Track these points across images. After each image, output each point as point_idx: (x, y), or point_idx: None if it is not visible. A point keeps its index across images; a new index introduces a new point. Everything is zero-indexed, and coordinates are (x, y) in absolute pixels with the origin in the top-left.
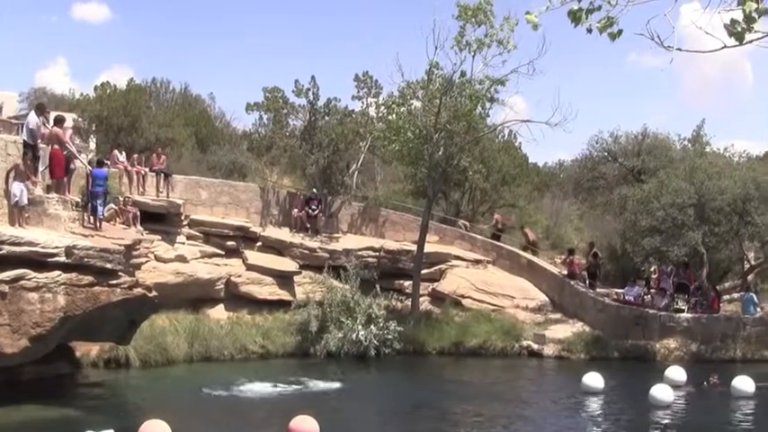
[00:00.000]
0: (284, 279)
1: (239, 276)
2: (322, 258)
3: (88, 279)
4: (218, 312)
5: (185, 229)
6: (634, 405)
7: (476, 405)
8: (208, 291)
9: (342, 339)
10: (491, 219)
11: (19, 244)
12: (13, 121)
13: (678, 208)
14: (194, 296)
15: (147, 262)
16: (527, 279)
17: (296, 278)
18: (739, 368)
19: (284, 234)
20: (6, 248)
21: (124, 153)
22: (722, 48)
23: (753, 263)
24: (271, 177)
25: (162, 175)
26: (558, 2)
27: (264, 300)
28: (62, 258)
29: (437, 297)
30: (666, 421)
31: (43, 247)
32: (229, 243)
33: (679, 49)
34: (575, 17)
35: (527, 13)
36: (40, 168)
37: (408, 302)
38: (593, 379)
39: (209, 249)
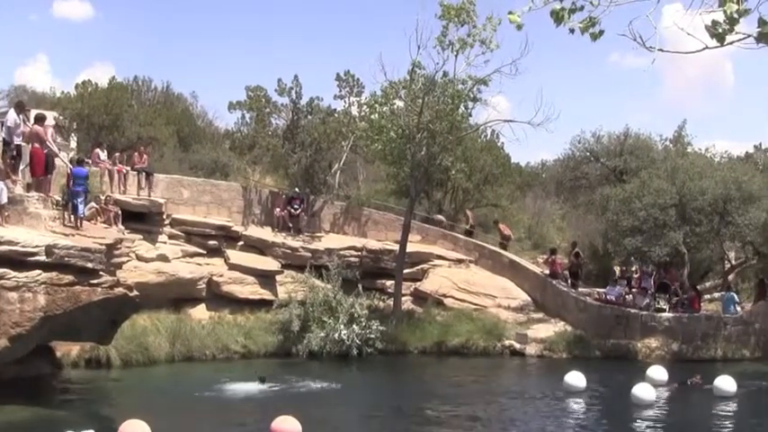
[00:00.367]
0: (266, 278)
1: (221, 276)
2: (304, 258)
3: (69, 278)
4: (200, 312)
5: (167, 229)
6: (616, 404)
7: (458, 404)
8: (189, 290)
9: (324, 339)
10: (456, 214)
11: None
12: None
13: (660, 208)
14: (176, 296)
15: (128, 261)
16: (509, 278)
17: (278, 278)
18: (720, 367)
19: (266, 233)
20: None
21: (106, 151)
22: (704, 49)
23: (733, 263)
24: (253, 176)
25: (143, 173)
26: (540, 2)
27: (246, 299)
28: (42, 257)
29: (419, 296)
30: (648, 420)
31: (23, 246)
32: (211, 242)
33: (661, 50)
34: (557, 17)
35: (510, 12)
36: (21, 167)
37: (390, 302)
38: (576, 378)
39: (191, 249)
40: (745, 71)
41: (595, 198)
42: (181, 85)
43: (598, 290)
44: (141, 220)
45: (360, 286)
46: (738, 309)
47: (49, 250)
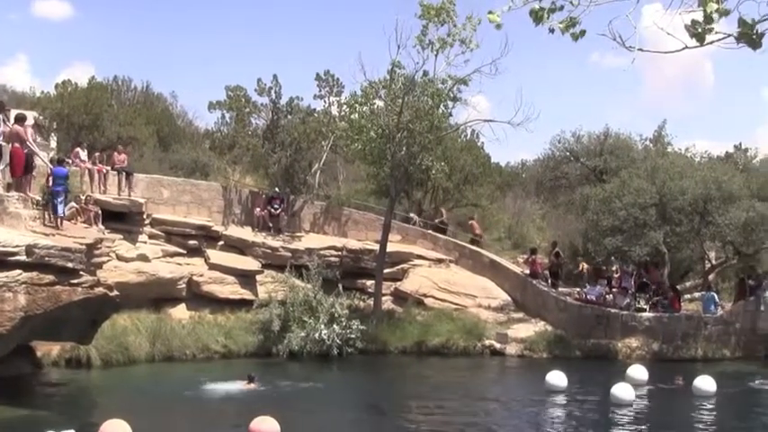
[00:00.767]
0: (246, 278)
1: (201, 276)
2: (284, 257)
3: (49, 278)
4: (180, 312)
5: (147, 228)
6: (596, 404)
7: (438, 404)
8: (170, 290)
9: (304, 339)
10: (435, 214)
11: None
12: None
13: (640, 208)
14: (156, 295)
15: (108, 261)
16: (489, 278)
17: (258, 277)
18: (700, 367)
19: (246, 233)
20: None
21: (86, 151)
22: (684, 48)
23: (713, 262)
24: (233, 176)
25: (123, 173)
26: (520, 1)
27: (226, 299)
28: (23, 257)
29: (400, 296)
30: (628, 420)
31: (3, 246)
32: (191, 242)
33: (641, 50)
34: (537, 17)
35: (490, 12)
36: (0, 167)
37: (371, 302)
38: (557, 378)
39: (171, 248)
40: (725, 71)
41: (575, 198)
42: (161, 84)
43: (578, 289)
44: (121, 219)
45: (340, 286)
46: (719, 309)
47: (29, 250)
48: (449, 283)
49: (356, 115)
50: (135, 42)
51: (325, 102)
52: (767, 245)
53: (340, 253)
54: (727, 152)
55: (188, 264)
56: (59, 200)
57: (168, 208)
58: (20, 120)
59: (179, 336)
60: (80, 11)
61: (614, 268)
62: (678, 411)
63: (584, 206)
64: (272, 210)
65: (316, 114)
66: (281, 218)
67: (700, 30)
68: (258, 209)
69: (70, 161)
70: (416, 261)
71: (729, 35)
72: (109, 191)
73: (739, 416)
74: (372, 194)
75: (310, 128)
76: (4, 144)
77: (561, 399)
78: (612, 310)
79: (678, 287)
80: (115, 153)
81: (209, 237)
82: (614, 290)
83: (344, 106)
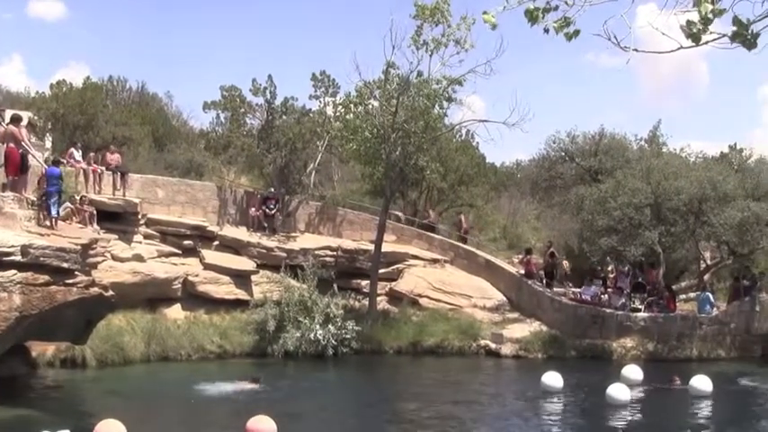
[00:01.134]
0: (241, 278)
1: (196, 276)
2: (279, 258)
3: (44, 278)
4: (176, 312)
5: (142, 229)
6: (592, 404)
7: (433, 404)
8: (165, 290)
9: (299, 339)
10: (423, 214)
11: None
12: None
13: (635, 208)
14: (151, 295)
15: (103, 261)
16: (485, 278)
17: (253, 277)
18: (695, 367)
19: (241, 233)
20: None
21: (80, 151)
22: (678, 48)
23: (709, 262)
24: (228, 176)
25: (118, 173)
26: (515, 1)
27: (222, 299)
28: (18, 257)
29: (395, 296)
30: (623, 420)
31: None
32: (186, 242)
33: (636, 50)
34: (531, 17)
35: (484, 12)
36: None
37: (366, 302)
38: (552, 378)
39: (166, 249)
40: (720, 71)
41: (570, 198)
42: (156, 85)
43: (573, 289)
44: (116, 219)
45: (335, 286)
46: (714, 309)
47: (24, 250)
48: (444, 284)
49: (351, 115)
50: (130, 42)
51: (320, 102)
52: (762, 245)
53: (335, 253)
54: (722, 152)
55: (183, 264)
56: (53, 200)
57: (163, 208)
58: (15, 120)
59: (174, 336)
60: (75, 11)
61: (610, 268)
62: (674, 411)
63: (579, 206)
64: (268, 210)
65: (311, 114)
66: (276, 218)
67: (695, 30)
68: (253, 209)
69: (65, 161)
70: (411, 261)
71: (724, 35)
72: (104, 191)
73: (735, 415)
74: (367, 194)
75: (305, 128)
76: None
77: (557, 399)
78: (608, 311)
79: (673, 287)
80: (108, 153)
81: (204, 237)
82: (609, 290)
83: (339, 106)
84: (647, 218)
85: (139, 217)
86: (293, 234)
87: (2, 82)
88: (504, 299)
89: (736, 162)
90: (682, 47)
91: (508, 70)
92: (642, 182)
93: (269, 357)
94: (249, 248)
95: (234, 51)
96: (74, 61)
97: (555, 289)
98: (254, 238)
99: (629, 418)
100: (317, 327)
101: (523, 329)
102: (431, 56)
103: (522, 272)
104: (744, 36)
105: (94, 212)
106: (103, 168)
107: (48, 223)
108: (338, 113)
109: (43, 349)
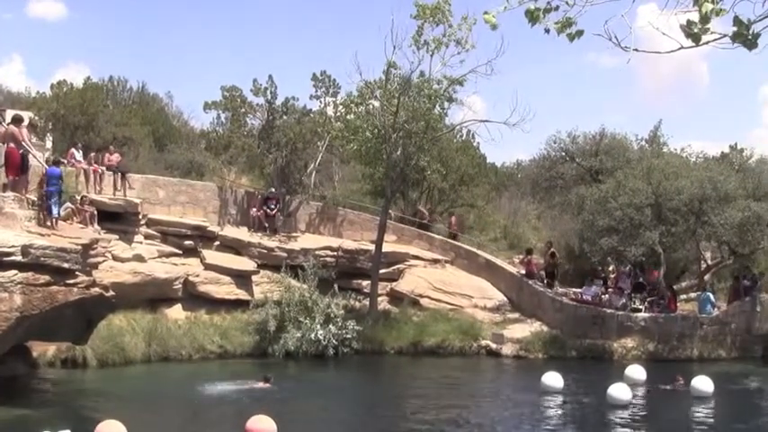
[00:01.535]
0: (242, 278)
1: (197, 276)
2: (280, 258)
3: (45, 278)
4: (176, 312)
5: (143, 229)
6: (593, 404)
7: (434, 404)
8: (165, 290)
9: (300, 339)
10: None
11: None
12: None
13: (635, 208)
14: (152, 296)
15: (104, 261)
16: (485, 279)
17: (254, 278)
18: (696, 367)
19: (242, 233)
20: None
21: (81, 152)
22: (679, 48)
23: (709, 263)
24: (229, 176)
25: (119, 174)
26: (515, 2)
27: (222, 299)
28: (18, 257)
29: (395, 297)
30: (624, 420)
31: None
32: (187, 242)
33: (636, 50)
34: (532, 17)
35: (485, 12)
36: None
37: (367, 302)
38: (553, 378)
39: (167, 249)
40: (721, 71)
41: (571, 198)
42: (156, 85)
43: (574, 290)
44: (117, 220)
45: (336, 286)
46: (715, 309)
47: (24, 250)
48: (444, 284)
49: (352, 115)
50: (130, 42)
51: (320, 102)
52: (763, 245)
53: (336, 253)
54: (722, 152)
55: (184, 264)
56: (53, 200)
57: (164, 208)
58: (16, 121)
59: (175, 336)
60: (75, 11)
61: (610, 268)
62: (675, 412)
63: (579, 206)
64: (268, 210)
65: (311, 115)
66: (277, 218)
67: (695, 30)
68: (254, 209)
69: (66, 162)
70: (412, 261)
71: (725, 35)
72: (104, 191)
73: (737, 416)
74: (368, 195)
75: (306, 128)
76: (0, 144)
77: (557, 399)
78: (608, 311)
79: (674, 287)
80: (107, 154)
81: (204, 237)
82: (610, 290)
83: (340, 106)
84: (648, 218)
85: (140, 217)
86: (294, 234)
87: (2, 82)
88: (505, 299)
89: (737, 162)
90: (682, 47)
91: (509, 70)
92: (643, 182)
93: (270, 357)
94: (250, 248)
95: (235, 51)
96: (74, 61)
97: (556, 289)
98: (255, 238)
99: (630, 418)
100: (318, 327)
101: (524, 330)
102: (432, 56)
103: (523, 272)
104: (744, 36)
105: (95, 213)
106: (104, 168)
107: (48, 223)
108: (339, 113)
109: (44, 349)
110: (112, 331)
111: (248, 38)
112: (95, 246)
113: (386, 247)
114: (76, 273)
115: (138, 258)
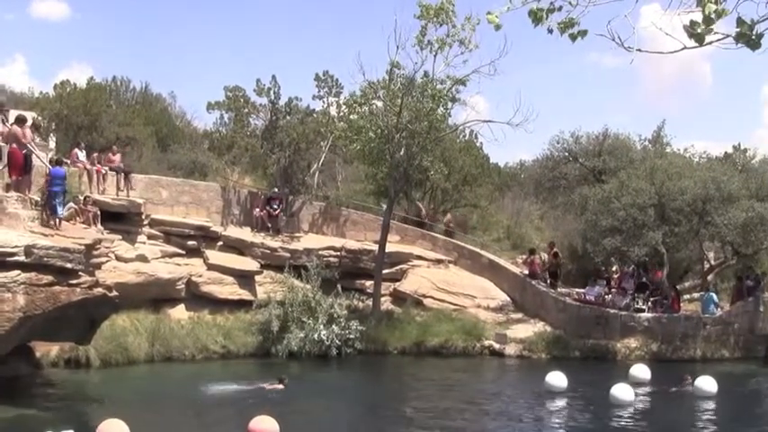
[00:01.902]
0: (245, 279)
1: (200, 276)
2: (283, 258)
3: (48, 279)
4: (179, 312)
5: (146, 229)
6: (596, 404)
7: (437, 405)
8: (168, 290)
9: (303, 339)
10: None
11: None
12: None
13: (639, 208)
14: (155, 296)
15: (107, 262)
16: (488, 279)
17: (257, 278)
18: (700, 368)
19: (245, 233)
20: None
21: (84, 152)
22: (682, 49)
23: (713, 263)
24: (232, 177)
25: (122, 174)
26: (519, 2)
27: (225, 299)
28: (21, 258)
29: (399, 297)
30: (627, 420)
31: (2, 247)
32: (190, 243)
33: (639, 50)
34: (535, 17)
35: (488, 13)
36: None
37: (370, 302)
38: (557, 378)
39: (170, 249)
40: (724, 71)
41: (574, 198)
42: (159, 85)
43: (577, 290)
44: (120, 220)
45: (339, 286)
46: (718, 309)
47: (28, 250)
48: (448, 284)
49: (355, 116)
50: (133, 42)
51: (323, 102)
52: (766, 245)
53: (339, 253)
54: (725, 152)
55: (187, 264)
56: (57, 200)
57: (167, 208)
58: (20, 121)
59: (178, 336)
60: (78, 11)
61: (614, 269)
62: (679, 412)
63: (582, 206)
64: (271, 210)
65: (314, 115)
66: (280, 218)
67: (698, 30)
68: (257, 209)
69: (69, 162)
70: (415, 261)
71: (728, 36)
72: (108, 191)
73: (740, 416)
74: (371, 195)
75: (309, 128)
76: (2, 145)
77: (561, 399)
78: (611, 311)
79: (677, 287)
80: (110, 154)
81: (207, 237)
82: (613, 290)
83: (343, 107)
84: (651, 218)
85: (143, 217)
86: (297, 234)
87: (5, 83)
88: (508, 299)
89: (740, 162)
90: (685, 47)
91: (512, 71)
92: (646, 182)
93: (273, 358)
94: (253, 249)
95: (238, 51)
96: (77, 62)
97: (559, 289)
98: (258, 238)
99: (634, 418)
100: (321, 327)
101: (527, 330)
102: (435, 56)
103: (526, 272)
104: (748, 36)
105: (98, 213)
106: (107, 168)
107: (51, 223)
108: (342, 114)
109: (47, 349)
110: (115, 331)
111: (251, 38)
112: (98, 246)
113: (389, 248)
114: (80, 273)
115: (142, 258)
